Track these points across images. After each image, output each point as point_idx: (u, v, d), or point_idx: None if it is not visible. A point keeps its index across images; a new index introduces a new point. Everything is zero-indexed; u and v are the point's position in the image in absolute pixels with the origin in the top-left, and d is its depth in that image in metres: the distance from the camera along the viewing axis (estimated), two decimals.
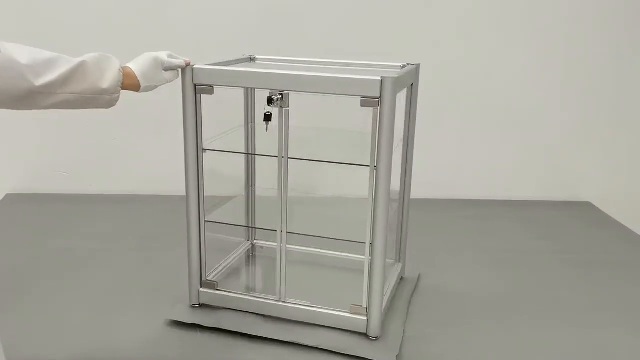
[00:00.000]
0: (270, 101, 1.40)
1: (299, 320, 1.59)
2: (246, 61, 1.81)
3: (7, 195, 2.59)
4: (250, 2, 2.46)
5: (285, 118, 1.45)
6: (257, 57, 1.84)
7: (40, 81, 1.09)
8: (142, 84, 1.31)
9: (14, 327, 1.55)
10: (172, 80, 1.41)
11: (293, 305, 1.59)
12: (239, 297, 1.63)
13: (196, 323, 1.58)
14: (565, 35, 2.55)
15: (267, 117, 1.44)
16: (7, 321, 1.58)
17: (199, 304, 1.66)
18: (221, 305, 1.65)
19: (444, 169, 2.67)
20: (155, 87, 1.37)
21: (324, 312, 1.57)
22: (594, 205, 2.71)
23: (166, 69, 1.38)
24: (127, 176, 2.63)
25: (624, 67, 2.61)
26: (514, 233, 2.36)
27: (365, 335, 1.54)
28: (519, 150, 2.69)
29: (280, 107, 1.42)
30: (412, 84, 1.68)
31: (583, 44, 2.56)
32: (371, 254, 1.49)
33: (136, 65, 1.31)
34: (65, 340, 1.52)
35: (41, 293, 1.76)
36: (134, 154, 2.61)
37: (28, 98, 1.10)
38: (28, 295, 1.74)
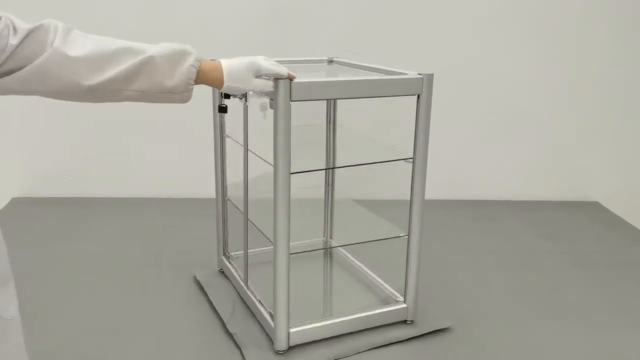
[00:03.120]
0: (226, 95, 1.51)
1: (252, 309, 1.65)
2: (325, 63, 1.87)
3: (13, 199, 2.55)
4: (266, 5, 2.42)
5: (245, 112, 1.54)
6: (335, 59, 1.88)
7: (94, 79, 0.99)
8: (226, 82, 1.18)
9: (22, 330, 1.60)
10: (263, 90, 1.28)
11: (250, 294, 1.66)
12: (232, 272, 1.79)
13: (199, 280, 1.83)
14: (574, 36, 2.54)
15: (222, 109, 1.52)
16: None
17: (221, 270, 1.90)
18: (228, 275, 1.84)
19: (451, 170, 2.63)
20: (242, 91, 1.24)
21: (261, 310, 1.58)
22: (602, 205, 2.67)
23: (262, 76, 1.24)
24: (132, 180, 2.59)
25: (632, 67, 2.58)
26: (522, 233, 2.33)
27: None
28: (527, 150, 2.66)
29: (240, 99, 1.51)
30: (418, 96, 1.44)
31: (592, 44, 2.54)
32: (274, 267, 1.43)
33: (228, 62, 1.20)
34: (73, 343, 1.52)
35: (48, 297, 1.74)
36: (139, 157, 2.56)
37: (91, 94, 1.01)
38: (35, 299, 1.72)
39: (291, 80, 1.29)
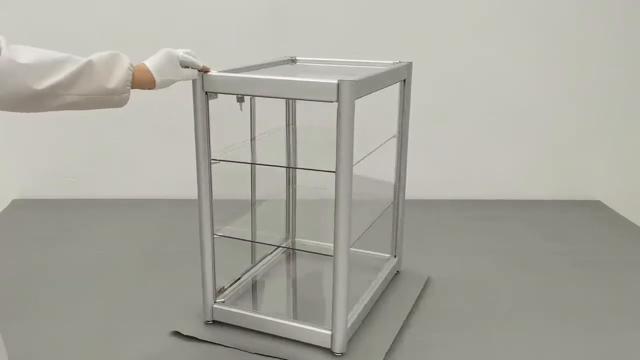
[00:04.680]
0: None
1: None
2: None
3: (13, 201, 2.55)
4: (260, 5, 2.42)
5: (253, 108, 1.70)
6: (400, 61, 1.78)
7: (42, 84, 1.05)
8: (157, 79, 1.25)
9: (20, 334, 1.53)
10: (190, 78, 1.37)
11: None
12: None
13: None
14: (575, 35, 2.53)
15: (240, 98, 1.65)
16: (14, 328, 1.54)
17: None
18: None
19: (452, 170, 2.64)
20: (172, 82, 1.31)
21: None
22: (604, 204, 2.66)
23: (182, 65, 1.33)
24: (133, 181, 2.59)
25: (633, 66, 2.58)
26: (524, 233, 2.31)
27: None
28: (528, 150, 2.65)
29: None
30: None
31: (593, 44, 2.54)
32: None
33: (150, 61, 1.27)
34: (72, 346, 1.51)
35: (48, 299, 1.73)
36: (139, 158, 2.57)
37: (33, 100, 1.06)
38: (35, 302, 1.71)
39: (205, 72, 1.38)
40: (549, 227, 2.38)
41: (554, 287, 1.86)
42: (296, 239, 2.04)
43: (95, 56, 1.15)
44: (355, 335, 1.55)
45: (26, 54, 1.04)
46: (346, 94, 1.29)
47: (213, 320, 1.60)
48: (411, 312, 1.68)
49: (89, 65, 1.13)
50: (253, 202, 1.82)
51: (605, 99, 2.62)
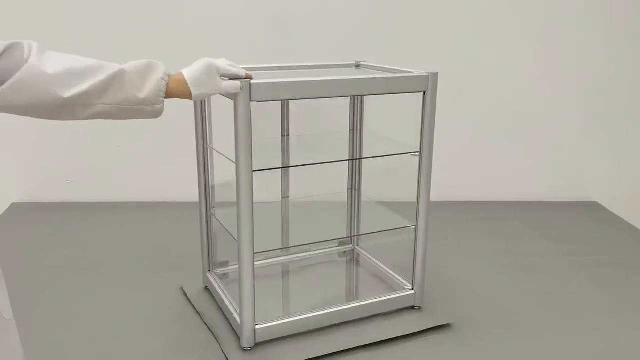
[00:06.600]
0: None
1: None
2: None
3: (12, 204, 2.53)
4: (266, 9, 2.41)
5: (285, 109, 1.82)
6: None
7: (69, 92, 1.01)
8: (194, 92, 1.19)
9: (21, 335, 1.44)
10: (231, 92, 1.30)
11: None
12: None
13: None
14: (575, 36, 2.54)
15: None
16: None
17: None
18: None
19: (451, 171, 2.59)
20: (210, 95, 1.26)
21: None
22: (601, 205, 2.69)
23: (223, 77, 1.28)
24: (132, 184, 2.58)
25: (633, 67, 2.59)
26: (523, 234, 2.33)
27: None
28: (527, 151, 2.67)
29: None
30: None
31: (592, 44, 2.55)
32: None
33: (188, 72, 1.20)
34: (72, 347, 1.51)
35: (48, 301, 1.73)
36: (139, 161, 2.55)
37: (63, 109, 1.02)
38: (35, 304, 1.71)
39: (250, 79, 1.33)
40: (548, 227, 2.40)
41: (553, 288, 1.87)
42: (356, 247, 2.06)
43: (129, 64, 1.11)
44: (286, 340, 1.55)
45: (56, 62, 1.01)
46: (241, 95, 1.33)
47: (206, 287, 1.83)
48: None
49: (121, 73, 1.08)
50: (284, 197, 1.93)
51: (605, 101, 2.62)
